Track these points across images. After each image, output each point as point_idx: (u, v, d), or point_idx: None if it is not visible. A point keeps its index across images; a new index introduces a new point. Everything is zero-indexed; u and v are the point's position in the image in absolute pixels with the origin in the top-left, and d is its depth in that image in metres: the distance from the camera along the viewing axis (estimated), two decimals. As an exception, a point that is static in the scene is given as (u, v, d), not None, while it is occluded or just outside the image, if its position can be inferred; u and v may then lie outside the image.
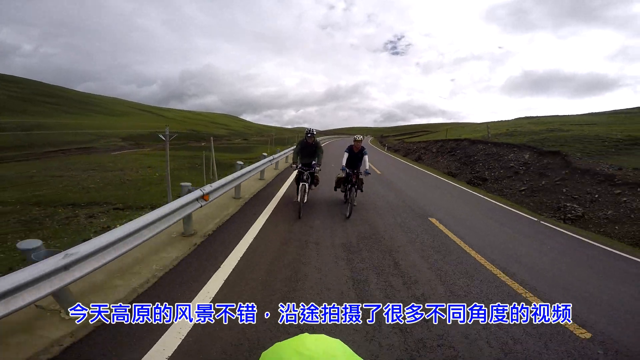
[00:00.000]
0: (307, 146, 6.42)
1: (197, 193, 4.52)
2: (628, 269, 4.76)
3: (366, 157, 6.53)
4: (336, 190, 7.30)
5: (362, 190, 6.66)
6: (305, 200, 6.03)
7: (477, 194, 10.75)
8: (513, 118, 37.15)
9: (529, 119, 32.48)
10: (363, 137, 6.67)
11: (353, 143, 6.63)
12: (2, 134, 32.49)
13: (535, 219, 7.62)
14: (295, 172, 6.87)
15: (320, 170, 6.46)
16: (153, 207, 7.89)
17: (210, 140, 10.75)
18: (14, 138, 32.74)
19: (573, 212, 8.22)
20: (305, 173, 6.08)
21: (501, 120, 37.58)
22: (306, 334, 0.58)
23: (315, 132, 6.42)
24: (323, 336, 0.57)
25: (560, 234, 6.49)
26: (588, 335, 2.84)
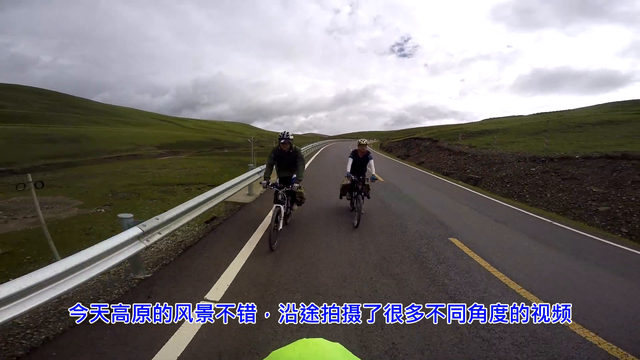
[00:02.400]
0: (283, 155, 5.03)
1: (258, 168, 8.39)
2: (420, 174, 17.42)
3: (372, 162, 6.08)
4: (341, 198, 6.86)
5: (368, 197, 6.10)
6: (281, 228, 4.64)
7: (400, 162, 23.09)
8: (479, 120, 49.51)
9: (489, 119, 47.37)
10: (368, 141, 6.39)
11: (357, 147, 6.15)
12: (56, 144, 38.95)
13: (407, 165, 20.43)
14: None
15: (299, 187, 5.03)
16: (235, 184, 13.97)
17: (273, 143, 18.52)
18: (67, 147, 38.78)
19: (419, 161, 21.51)
20: (280, 192, 4.75)
21: (469, 122, 53.62)
22: (304, 339, 0.55)
23: (292, 137, 4.94)
24: (322, 340, 0.55)
25: (412, 168, 18.92)
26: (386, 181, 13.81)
